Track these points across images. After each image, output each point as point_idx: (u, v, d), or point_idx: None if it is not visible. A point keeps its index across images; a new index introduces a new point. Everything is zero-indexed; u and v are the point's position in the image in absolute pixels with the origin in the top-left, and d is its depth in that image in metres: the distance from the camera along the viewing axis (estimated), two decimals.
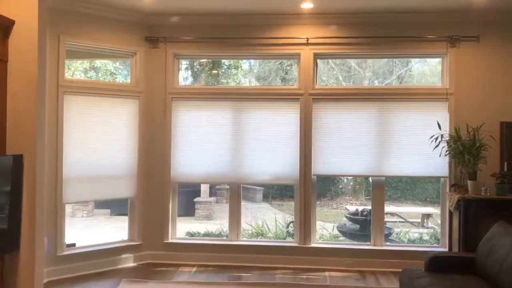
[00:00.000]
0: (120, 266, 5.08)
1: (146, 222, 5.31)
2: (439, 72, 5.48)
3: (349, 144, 5.21)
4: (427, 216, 8.52)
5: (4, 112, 3.29)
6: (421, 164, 5.14)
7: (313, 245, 5.26)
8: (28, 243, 3.24)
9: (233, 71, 11.10)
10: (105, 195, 5.15)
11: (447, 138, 4.91)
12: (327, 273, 4.97)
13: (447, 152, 4.90)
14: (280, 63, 10.86)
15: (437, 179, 5.19)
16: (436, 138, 4.88)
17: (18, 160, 3.23)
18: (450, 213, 4.99)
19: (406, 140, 5.17)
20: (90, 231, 8.00)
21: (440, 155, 4.91)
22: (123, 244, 5.22)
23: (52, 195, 4.64)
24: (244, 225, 6.06)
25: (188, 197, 9.66)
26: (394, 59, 10.48)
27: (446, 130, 5.00)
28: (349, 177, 11.18)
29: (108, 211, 9.61)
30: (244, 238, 5.88)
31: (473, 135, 4.76)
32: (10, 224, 3.17)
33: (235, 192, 5.45)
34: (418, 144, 5.11)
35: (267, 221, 7.50)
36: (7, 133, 3.30)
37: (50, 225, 4.58)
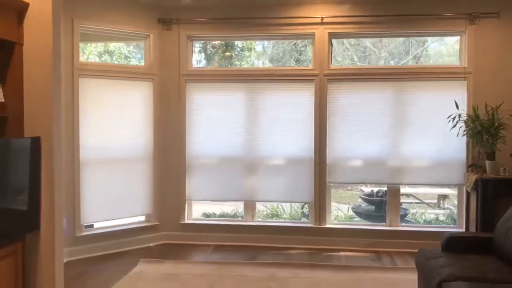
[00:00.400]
0: (137, 247, 5.16)
1: (163, 203, 5.37)
2: (456, 52, 5.36)
3: (365, 125, 5.16)
4: (443, 197, 8.44)
5: (21, 95, 3.32)
6: (438, 145, 5.07)
7: (328, 225, 5.27)
8: (47, 223, 3.29)
9: (246, 53, 11.02)
10: (121, 212, 5.20)
11: (465, 117, 4.83)
12: (342, 253, 4.98)
13: (465, 132, 4.83)
14: (294, 44, 10.73)
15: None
16: (454, 118, 4.80)
17: (35, 142, 3.26)
18: (467, 194, 4.94)
19: (423, 121, 5.10)
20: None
21: (457, 135, 4.83)
22: (140, 225, 5.30)
23: (69, 177, 4.71)
24: (259, 206, 6.08)
25: None
26: (410, 39, 10.28)
27: (464, 109, 4.92)
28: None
29: None
30: (259, 219, 5.91)
31: (492, 114, 4.67)
32: (30, 205, 3.23)
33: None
34: (435, 124, 5.03)
35: (281, 203, 7.50)
36: (25, 116, 3.33)
37: (68, 207, 4.66)
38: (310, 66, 5.30)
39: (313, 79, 5.21)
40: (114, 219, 5.15)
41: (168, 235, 5.38)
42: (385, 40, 10.24)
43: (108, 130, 5.01)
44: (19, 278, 3.21)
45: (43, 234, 3.30)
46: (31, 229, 3.25)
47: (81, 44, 4.93)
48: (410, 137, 5.12)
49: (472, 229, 4.75)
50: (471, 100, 4.97)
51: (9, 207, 3.22)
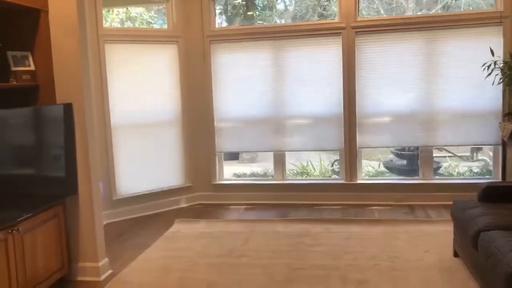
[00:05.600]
0: (172, 208, 5.29)
1: (194, 165, 5.44)
2: None
3: (395, 78, 5.02)
4: (477, 149, 8.25)
5: (50, 63, 3.36)
6: (472, 95, 4.91)
7: (359, 181, 5.25)
8: (85, 187, 3.40)
9: (268, 12, 10.78)
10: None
11: (501, 65, 4.62)
12: (375, 208, 4.97)
13: (501, 80, 4.63)
14: None
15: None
16: (489, 66, 4.60)
17: (68, 108, 3.32)
18: (503, 143, 4.80)
19: (456, 71, 4.92)
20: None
21: (493, 84, 4.64)
22: (174, 187, 5.40)
23: (103, 143, 4.80)
24: (288, 165, 6.09)
25: None
26: None
27: (499, 56, 4.70)
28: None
29: None
30: (290, 177, 5.93)
31: None
32: (67, 170, 3.33)
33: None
34: (468, 73, 4.85)
35: (311, 161, 7.49)
36: (55, 84, 3.37)
37: (103, 171, 4.79)
38: (336, 19, 5.14)
39: (340, 33, 5.06)
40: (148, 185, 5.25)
41: (201, 196, 5.48)
42: None
43: (136, 95, 5.04)
44: (63, 239, 3.36)
45: (81, 197, 3.41)
46: (69, 193, 3.37)
47: (103, 11, 4.90)
48: (443, 88, 4.96)
49: (509, 179, 4.64)
50: (507, 46, 4.75)
51: (48, 172, 3.34)
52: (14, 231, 2.81)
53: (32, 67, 3.31)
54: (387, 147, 5.98)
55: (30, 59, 3.32)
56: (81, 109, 3.37)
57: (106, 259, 3.58)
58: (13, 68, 3.18)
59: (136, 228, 4.68)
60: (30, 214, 2.98)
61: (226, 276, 3.41)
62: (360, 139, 5.21)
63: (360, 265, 3.49)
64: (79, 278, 3.45)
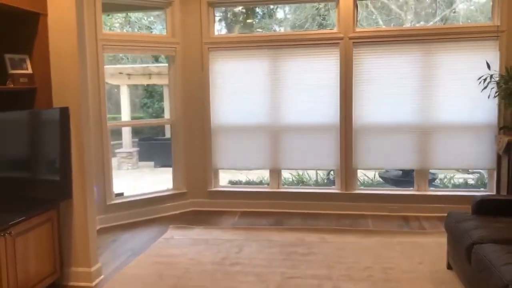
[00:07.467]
0: (166, 214, 5.27)
1: (190, 171, 5.43)
2: (486, 11, 5.13)
3: (392, 90, 5.04)
4: None
5: (48, 67, 3.36)
6: (468, 108, 4.93)
7: (355, 191, 5.25)
8: (79, 191, 3.39)
9: (267, 20, 10.84)
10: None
11: (497, 78, 4.66)
12: (369, 219, 4.97)
13: (497, 94, 4.67)
14: (317, 8, 10.49)
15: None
16: (485, 79, 4.63)
17: (64, 112, 3.31)
18: (499, 157, 4.82)
19: (453, 83, 4.95)
20: (135, 182, 8.32)
21: (489, 97, 4.68)
22: (169, 193, 5.39)
23: (98, 147, 4.79)
24: (284, 173, 6.10)
25: None
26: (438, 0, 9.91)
27: (496, 70, 4.74)
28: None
29: (152, 163, 9.90)
30: (285, 186, 5.93)
31: None
32: (62, 174, 3.32)
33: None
34: (465, 86, 4.88)
35: (307, 170, 7.50)
36: (52, 87, 3.37)
37: (98, 176, 4.77)
38: (335, 30, 5.17)
39: (338, 43, 5.08)
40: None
41: (196, 203, 5.47)
42: (411, 2, 9.90)
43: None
44: (56, 243, 3.34)
45: (76, 202, 3.40)
46: (64, 197, 3.36)
47: (103, 16, 4.91)
48: (439, 100, 4.98)
49: (504, 192, 4.65)
50: (503, 60, 4.78)
51: (43, 176, 3.32)
52: (6, 234, 2.79)
53: (30, 70, 3.31)
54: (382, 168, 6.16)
55: (28, 62, 3.31)
56: (77, 113, 3.37)
57: (99, 264, 3.57)
58: (10, 71, 3.18)
59: (129, 234, 4.65)
60: (23, 218, 2.97)
61: (219, 284, 3.39)
62: (355, 158, 5.22)
63: (353, 275, 3.48)
64: (71, 283, 3.43)
